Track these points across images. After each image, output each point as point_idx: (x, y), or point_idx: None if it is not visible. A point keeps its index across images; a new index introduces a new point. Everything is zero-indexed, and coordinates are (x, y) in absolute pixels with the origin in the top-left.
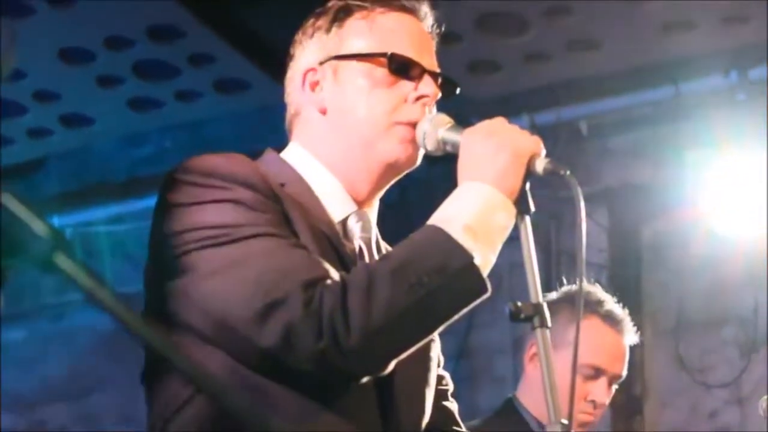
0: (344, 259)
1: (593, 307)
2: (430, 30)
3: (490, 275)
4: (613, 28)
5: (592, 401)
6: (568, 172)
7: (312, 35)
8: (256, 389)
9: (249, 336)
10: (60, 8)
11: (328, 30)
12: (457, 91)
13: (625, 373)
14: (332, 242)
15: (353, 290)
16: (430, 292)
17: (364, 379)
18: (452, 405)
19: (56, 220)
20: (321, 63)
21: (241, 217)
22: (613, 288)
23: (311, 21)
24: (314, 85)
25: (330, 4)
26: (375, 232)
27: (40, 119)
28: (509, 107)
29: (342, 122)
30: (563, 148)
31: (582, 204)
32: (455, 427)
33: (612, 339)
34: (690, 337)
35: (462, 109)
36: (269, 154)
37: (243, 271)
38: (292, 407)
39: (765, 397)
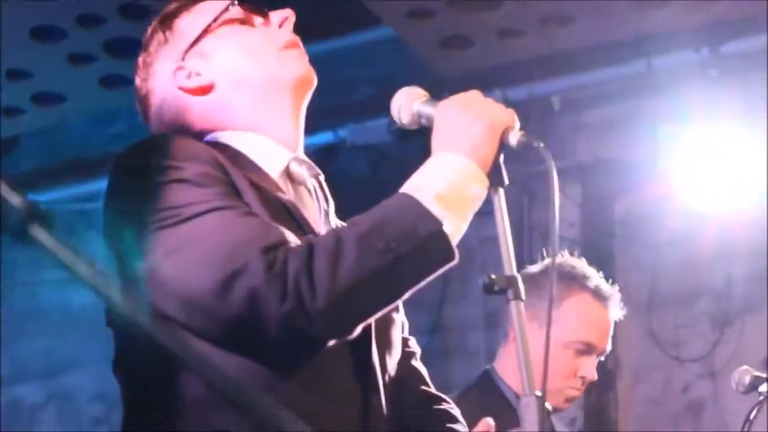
0: (299, 221)
1: (582, 281)
2: None
3: (462, 249)
4: (586, 3)
5: (582, 377)
6: (541, 145)
7: (155, 59)
8: (228, 365)
9: (214, 309)
10: None
11: (165, 41)
12: None
13: (609, 347)
14: (287, 207)
15: (320, 253)
16: (397, 257)
17: (330, 343)
18: (421, 366)
19: (30, 198)
20: (181, 61)
21: (191, 195)
22: (586, 262)
23: (142, 56)
24: (188, 76)
25: (146, 31)
26: (319, 170)
27: (12, 98)
28: (482, 83)
29: (235, 82)
30: (535, 124)
31: (555, 176)
32: (423, 387)
33: (602, 315)
34: (663, 312)
35: (435, 85)
36: (205, 140)
37: (199, 247)
38: (265, 377)
39: (738, 370)
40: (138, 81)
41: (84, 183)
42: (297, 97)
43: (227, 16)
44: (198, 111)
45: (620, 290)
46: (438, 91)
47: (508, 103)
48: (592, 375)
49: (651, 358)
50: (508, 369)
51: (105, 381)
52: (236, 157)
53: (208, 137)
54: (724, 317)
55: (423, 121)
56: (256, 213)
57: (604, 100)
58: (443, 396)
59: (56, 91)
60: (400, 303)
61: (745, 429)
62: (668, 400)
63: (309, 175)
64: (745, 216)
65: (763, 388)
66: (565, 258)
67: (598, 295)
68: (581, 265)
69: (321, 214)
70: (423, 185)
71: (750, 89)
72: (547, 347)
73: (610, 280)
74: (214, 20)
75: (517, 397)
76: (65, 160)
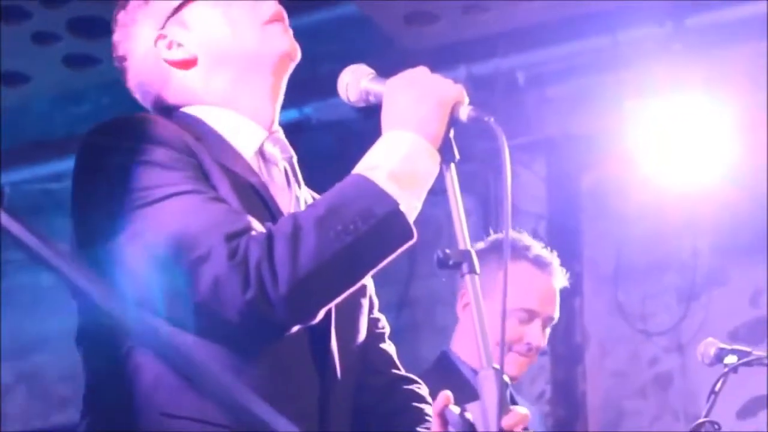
0: (269, 205)
1: (521, 252)
2: None
3: (429, 226)
4: None
5: (528, 344)
6: (492, 119)
7: (134, 20)
8: (186, 344)
9: (176, 294)
10: None
11: (145, 2)
12: None
13: (557, 315)
14: (256, 189)
15: (279, 239)
16: (356, 239)
17: (294, 329)
18: (390, 347)
19: None
20: (162, 29)
21: (158, 178)
22: (553, 236)
23: (120, 13)
24: (170, 46)
25: None
26: (293, 152)
27: None
28: (446, 58)
29: (216, 57)
30: (500, 99)
31: (506, 150)
32: (394, 370)
33: (542, 282)
34: (630, 285)
35: (399, 61)
36: (179, 114)
37: (164, 230)
38: (226, 362)
39: (703, 342)
40: (115, 38)
41: (49, 163)
42: (277, 74)
43: None
44: (177, 83)
45: (586, 263)
46: (402, 68)
47: (473, 78)
48: (538, 341)
49: (618, 331)
50: (463, 347)
51: (73, 362)
52: (208, 135)
53: (183, 110)
54: (690, 290)
55: (371, 98)
56: (222, 198)
57: (570, 74)
58: (411, 376)
59: (20, 70)
60: (368, 284)
61: (711, 400)
62: (636, 373)
63: (282, 157)
64: (711, 189)
65: (728, 359)
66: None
67: (537, 262)
68: (523, 237)
69: (292, 198)
70: (375, 165)
71: (714, 63)
72: (503, 320)
73: (555, 252)
74: None
75: (475, 373)
76: (29, 140)
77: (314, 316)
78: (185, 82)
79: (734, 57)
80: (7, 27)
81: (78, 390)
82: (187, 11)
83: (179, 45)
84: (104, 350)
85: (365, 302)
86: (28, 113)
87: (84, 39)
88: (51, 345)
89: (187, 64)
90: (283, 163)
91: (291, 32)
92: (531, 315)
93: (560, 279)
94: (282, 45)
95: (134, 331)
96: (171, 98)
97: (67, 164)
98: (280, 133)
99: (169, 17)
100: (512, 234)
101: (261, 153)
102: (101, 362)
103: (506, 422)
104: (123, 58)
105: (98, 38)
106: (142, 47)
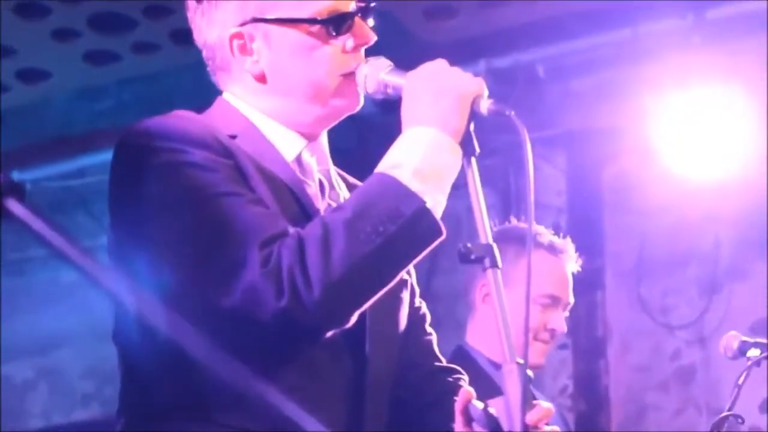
0: (304, 205)
1: (535, 240)
2: None
3: (449, 220)
4: None
5: (552, 330)
6: (512, 113)
7: (219, 2)
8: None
9: (211, 299)
10: None
11: None
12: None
13: (572, 299)
14: (291, 188)
15: (310, 245)
16: (386, 240)
17: (329, 333)
18: (430, 338)
19: (16, 176)
20: (243, 24)
21: (195, 180)
22: (574, 230)
23: None
24: (243, 49)
25: None
26: (331, 162)
27: None
28: (466, 52)
29: (284, 87)
30: (521, 93)
31: (528, 143)
32: (434, 362)
33: (559, 267)
34: (651, 278)
35: (418, 55)
36: (220, 103)
37: (201, 234)
38: (257, 365)
39: (725, 335)
40: (191, 7)
41: (70, 160)
42: (331, 120)
43: (318, 19)
44: (238, 78)
45: (608, 257)
46: (421, 62)
47: (494, 71)
48: (561, 327)
49: (640, 324)
50: (481, 339)
51: (95, 357)
52: (248, 130)
53: (230, 99)
54: (713, 283)
55: (389, 90)
56: (259, 198)
57: (590, 67)
58: (452, 367)
59: (41, 67)
60: (410, 273)
61: (734, 394)
62: (658, 366)
63: (318, 168)
64: (731, 181)
65: (751, 353)
66: (513, 223)
67: (552, 249)
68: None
69: (324, 209)
70: (398, 162)
71: (734, 56)
72: (527, 312)
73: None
74: (303, 20)
75: (493, 365)
76: (50, 137)
77: (348, 319)
78: (244, 83)
79: (754, 49)
80: (27, 24)
81: (99, 386)
82: (277, 29)
83: (252, 51)
84: (135, 349)
85: (405, 295)
86: (48, 110)
87: (104, 35)
88: (72, 341)
89: (254, 76)
90: (318, 175)
91: (360, 92)
92: (555, 301)
93: (573, 264)
94: (347, 106)
95: (163, 331)
96: (225, 85)
97: (88, 160)
98: (322, 142)
99: (257, 19)
100: (523, 224)
101: (299, 161)
102: (132, 361)
103: (531, 417)
104: (193, 10)
105: (118, 34)
106: (216, 32)
